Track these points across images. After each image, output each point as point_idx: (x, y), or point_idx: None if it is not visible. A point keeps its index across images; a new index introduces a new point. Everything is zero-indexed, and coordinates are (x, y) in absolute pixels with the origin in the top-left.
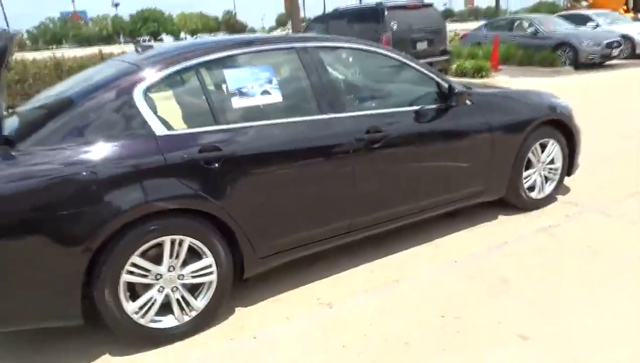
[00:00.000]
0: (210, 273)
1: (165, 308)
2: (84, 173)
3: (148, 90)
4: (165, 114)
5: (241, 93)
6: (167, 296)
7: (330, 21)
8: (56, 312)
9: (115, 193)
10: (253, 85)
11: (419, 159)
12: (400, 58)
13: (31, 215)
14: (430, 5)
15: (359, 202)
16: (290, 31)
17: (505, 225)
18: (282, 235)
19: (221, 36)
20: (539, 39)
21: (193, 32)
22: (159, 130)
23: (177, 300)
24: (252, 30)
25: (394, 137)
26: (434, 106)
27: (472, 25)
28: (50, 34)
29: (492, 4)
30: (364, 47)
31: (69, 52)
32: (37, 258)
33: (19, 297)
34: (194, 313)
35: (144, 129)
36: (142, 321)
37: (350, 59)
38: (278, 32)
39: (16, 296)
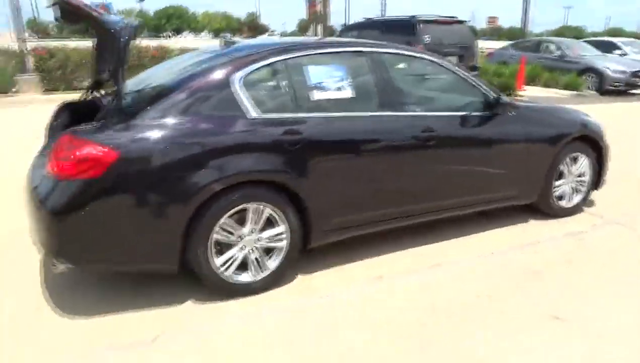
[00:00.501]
0: (283, 239)
1: (242, 266)
2: (189, 143)
3: (243, 78)
4: (256, 100)
5: (319, 87)
6: (244, 256)
7: (362, 30)
8: (158, 259)
9: (214, 163)
10: (329, 81)
11: (464, 159)
12: (453, 68)
13: (148, 175)
14: (462, 21)
15: (410, 192)
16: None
17: (536, 227)
18: (344, 214)
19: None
20: (565, 62)
21: (216, 31)
22: (252, 113)
23: (254, 260)
24: (272, 34)
25: (444, 137)
26: (481, 113)
27: (494, 44)
28: None
29: (515, 23)
30: (424, 56)
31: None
32: (149, 212)
33: (132, 243)
34: (266, 272)
35: (239, 111)
36: (225, 274)
37: (410, 66)
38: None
39: (129, 243)
